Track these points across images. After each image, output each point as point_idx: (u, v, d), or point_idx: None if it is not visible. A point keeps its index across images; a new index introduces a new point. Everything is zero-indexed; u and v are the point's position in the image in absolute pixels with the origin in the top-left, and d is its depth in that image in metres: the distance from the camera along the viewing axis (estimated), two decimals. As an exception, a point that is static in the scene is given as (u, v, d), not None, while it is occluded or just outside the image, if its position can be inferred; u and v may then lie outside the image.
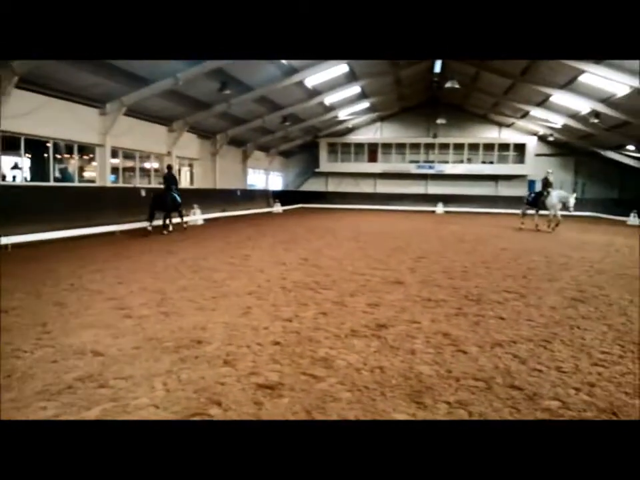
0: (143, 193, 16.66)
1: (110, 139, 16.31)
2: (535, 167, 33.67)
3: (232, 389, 3.10)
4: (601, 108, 21.56)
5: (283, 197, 30.22)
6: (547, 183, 17.40)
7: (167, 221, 13.71)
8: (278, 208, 26.67)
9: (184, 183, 23.05)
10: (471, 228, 17.88)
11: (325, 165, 36.33)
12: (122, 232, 13.07)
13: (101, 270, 7.30)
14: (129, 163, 19.34)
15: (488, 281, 7.08)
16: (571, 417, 2.81)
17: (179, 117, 20.05)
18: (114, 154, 17.43)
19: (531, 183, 34.59)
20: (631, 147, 26.65)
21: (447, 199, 31.32)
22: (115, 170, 17.91)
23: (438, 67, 24.95)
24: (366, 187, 37.14)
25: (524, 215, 18.12)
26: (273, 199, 27.91)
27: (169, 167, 15.42)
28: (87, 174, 17.18)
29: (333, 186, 37.75)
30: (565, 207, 16.44)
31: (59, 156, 15.84)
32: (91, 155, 16.73)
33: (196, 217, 16.86)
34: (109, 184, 16.59)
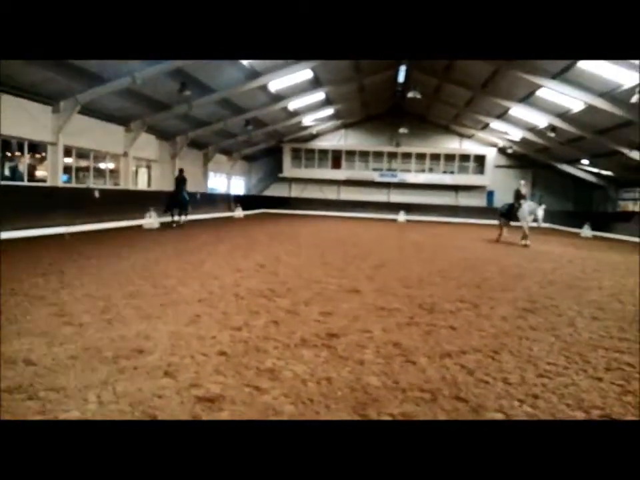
0: (97, 194, 16.12)
1: (63, 138, 15.77)
2: (494, 178, 34.66)
3: (170, 402, 2.94)
4: (557, 122, 22.39)
5: (245, 201, 29.90)
6: (519, 195, 17.08)
7: (177, 217, 16.87)
8: (239, 213, 26.37)
9: (140, 184, 22.52)
10: (430, 237, 18.14)
11: (289, 170, 36.33)
12: (72, 234, 12.57)
13: (45, 274, 6.95)
14: (83, 163, 18.73)
15: (443, 290, 7.14)
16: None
17: (136, 117, 19.61)
18: (67, 153, 16.83)
19: (490, 194, 35.58)
20: (585, 161, 27.72)
21: (408, 208, 31.76)
22: (68, 169, 17.30)
23: (401, 76, 25.37)
24: (329, 193, 37.30)
25: (500, 227, 17.74)
26: (234, 204, 27.53)
27: (181, 171, 18.03)
28: (39, 173, 16.51)
29: (296, 192, 37.75)
30: (534, 219, 16.13)
31: (9, 154, 15.17)
32: (43, 154, 16.09)
33: (151, 220, 16.42)
34: (60, 184, 15.98)
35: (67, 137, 15.89)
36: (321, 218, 28.81)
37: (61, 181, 16.05)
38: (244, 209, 27.40)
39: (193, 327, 4.62)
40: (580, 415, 3.00)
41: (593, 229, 24.06)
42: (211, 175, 30.31)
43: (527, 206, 16.22)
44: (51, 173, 15.72)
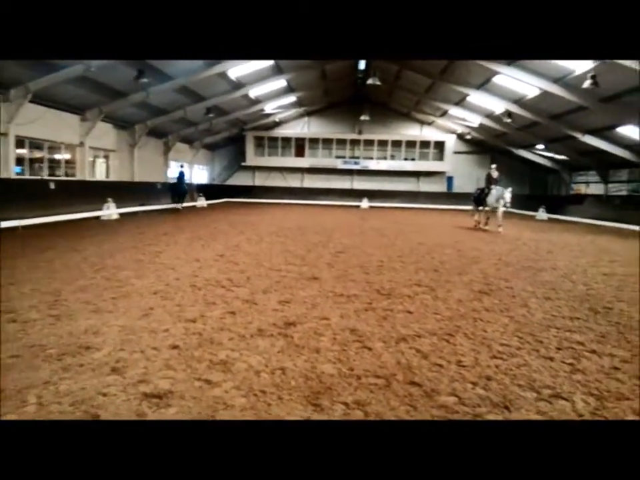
0: (52, 186, 15.50)
1: (14, 128, 15.04)
2: (454, 164, 35.26)
3: (114, 400, 2.83)
4: (513, 108, 22.85)
5: (208, 190, 29.38)
6: (489, 180, 16.64)
7: (180, 205, 21.90)
8: (202, 202, 25.92)
9: (98, 175, 21.79)
10: (392, 223, 18.29)
11: (252, 158, 35.89)
12: (25, 227, 12.05)
13: (-10, 270, 6.62)
14: (38, 154, 17.95)
15: (401, 275, 7.19)
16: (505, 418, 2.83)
17: (92, 105, 18.88)
18: (19, 144, 16.09)
19: (450, 180, 36.25)
20: (540, 146, 28.48)
21: (371, 194, 31.96)
22: (21, 161, 16.56)
23: (362, 63, 25.29)
24: (293, 181, 37.12)
25: (473, 213, 17.49)
26: (197, 193, 27.02)
27: (181, 166, 24.03)
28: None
29: (260, 180, 37.40)
30: (504, 204, 15.65)
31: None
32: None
33: (110, 211, 15.93)
34: (13, 175, 15.29)
35: (18, 127, 15.18)
36: (284, 206, 28.65)
37: (13, 172, 15.34)
38: (207, 198, 26.94)
39: (145, 320, 4.48)
40: (530, 395, 3.06)
41: (548, 211, 24.85)
42: (172, 164, 29.63)
43: (495, 191, 15.91)
44: (2, 165, 14.98)
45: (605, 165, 26.28)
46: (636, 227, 18.34)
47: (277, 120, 34.28)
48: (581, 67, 15.61)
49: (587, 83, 15.07)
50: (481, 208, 16.86)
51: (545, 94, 19.02)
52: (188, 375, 3.23)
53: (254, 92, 24.71)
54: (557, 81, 17.71)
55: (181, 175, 22.67)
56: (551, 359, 3.76)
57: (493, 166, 17.26)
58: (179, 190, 22.28)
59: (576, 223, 22.19)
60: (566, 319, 5.00)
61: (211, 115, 25.13)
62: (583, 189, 29.77)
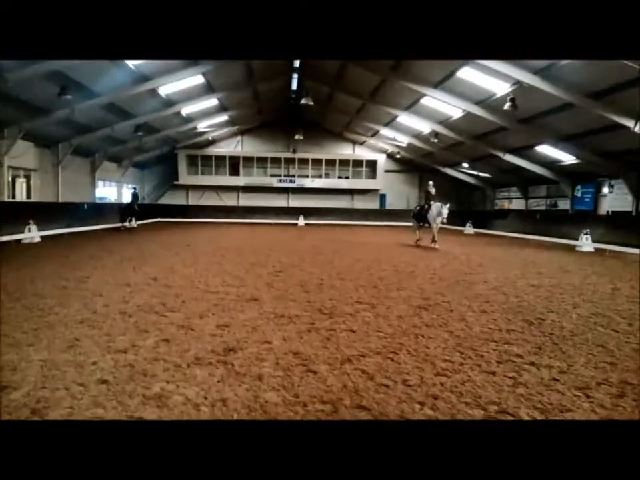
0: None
1: None
2: (385, 181, 36.31)
3: (34, 448, 2.53)
4: (439, 129, 23.87)
5: (139, 210, 28.17)
6: (428, 196, 16.56)
7: (128, 223, 22.88)
8: (132, 223, 24.82)
9: (19, 196, 20.36)
10: (328, 240, 18.38)
11: (185, 177, 35.07)
12: None
13: None
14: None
15: (341, 292, 7.16)
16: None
17: (11, 122, 17.66)
18: None
19: (382, 197, 37.29)
20: (465, 165, 29.90)
21: (307, 212, 32.05)
22: None
23: (294, 83, 25.57)
24: (229, 200, 36.57)
25: (415, 230, 17.20)
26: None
27: (135, 188, 26.62)
28: None
29: (194, 199, 36.54)
30: (442, 220, 15.55)
31: None
32: None
33: (31, 234, 14.85)
34: None
35: None
36: (220, 225, 28.04)
37: None
38: (137, 218, 25.84)
39: (70, 353, 4.11)
40: (478, 413, 3.05)
41: (474, 226, 26.06)
42: (100, 183, 28.27)
43: (434, 207, 15.84)
44: None
45: (524, 181, 28.04)
46: (554, 239, 19.56)
47: (210, 138, 33.78)
48: (501, 90, 16.60)
49: (506, 105, 16.06)
50: (422, 224, 16.76)
51: (468, 115, 20.03)
52: (118, 413, 2.95)
53: (186, 110, 24.23)
54: (479, 103, 18.72)
55: (135, 195, 24.19)
56: (493, 373, 3.81)
57: (431, 183, 17.36)
58: (130, 210, 23.36)
59: (501, 236, 23.36)
60: (503, 331, 5.13)
61: (140, 133, 24.32)
62: (506, 205, 31.52)
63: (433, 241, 15.78)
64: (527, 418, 2.97)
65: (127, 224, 22.89)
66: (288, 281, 8.18)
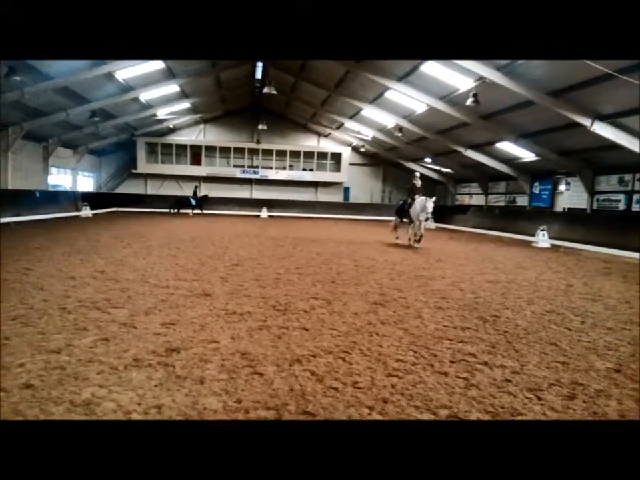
0: None
1: None
2: (350, 175, 36.27)
3: None
4: (403, 123, 23.93)
5: (95, 199, 27.13)
6: (412, 189, 14.80)
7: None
8: (87, 212, 23.86)
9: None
10: (290, 232, 18.15)
11: (144, 166, 34.04)
12: None
13: None
14: None
15: (298, 288, 6.97)
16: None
17: (-49, 105, 16.62)
18: None
19: (346, 190, 37.27)
20: (428, 159, 30.16)
21: (271, 204, 31.63)
22: None
23: (259, 72, 25.08)
24: (189, 190, 35.69)
25: (395, 226, 15.66)
26: (81, 202, 24.81)
27: (196, 186, 31.24)
28: None
29: (153, 188, 35.56)
30: (426, 216, 13.80)
31: None
32: None
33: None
34: None
35: None
36: (180, 216, 27.32)
37: None
38: (93, 207, 24.86)
39: (-5, 354, 3.77)
40: (428, 417, 2.92)
41: (436, 220, 26.30)
42: (53, 170, 27.06)
43: (418, 202, 14.00)
44: None
45: (485, 177, 28.50)
46: (512, 235, 19.97)
47: (171, 126, 32.88)
48: (464, 85, 16.70)
49: (469, 101, 16.15)
50: (404, 220, 15.14)
51: (432, 110, 20.12)
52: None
53: (145, 96, 23.41)
54: (442, 98, 18.81)
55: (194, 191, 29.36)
56: (446, 374, 3.70)
57: (417, 174, 15.55)
58: (185, 202, 28.40)
59: (461, 231, 23.70)
60: (457, 329, 5.06)
61: (96, 119, 23.35)
62: (466, 200, 32.03)
63: (415, 240, 14.15)
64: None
65: (173, 211, 27.91)
66: (244, 275, 7.93)
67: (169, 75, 21.42)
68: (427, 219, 13.88)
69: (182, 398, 3.08)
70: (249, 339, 4.40)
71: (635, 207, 18.55)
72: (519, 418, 2.93)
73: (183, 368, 3.60)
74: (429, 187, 35.59)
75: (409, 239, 14.73)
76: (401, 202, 15.52)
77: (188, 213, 27.95)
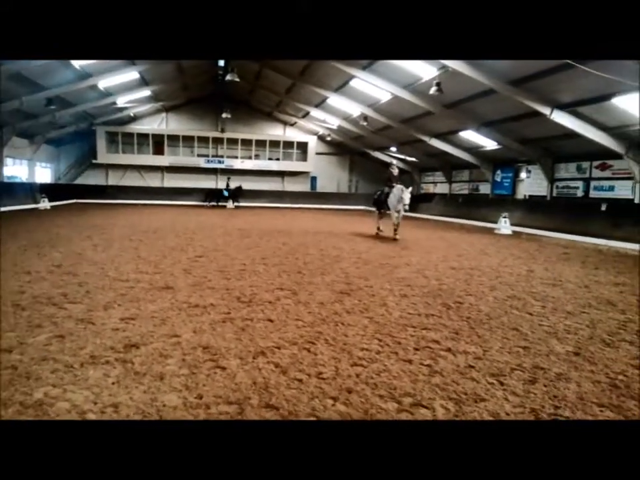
0: None
1: None
2: (317, 164, 36.17)
3: None
4: (368, 112, 23.96)
5: (53, 191, 26.14)
6: (390, 178, 14.08)
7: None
8: (45, 204, 22.99)
9: None
10: (256, 222, 17.98)
11: (104, 155, 33.02)
12: None
13: None
14: None
15: (263, 278, 6.89)
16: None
17: None
18: None
19: (313, 179, 37.19)
20: (393, 148, 30.33)
21: (236, 194, 31.25)
22: None
23: (221, 60, 24.57)
24: (152, 180, 34.92)
25: (379, 217, 14.89)
26: (39, 194, 23.87)
27: (228, 178, 31.61)
28: None
29: (114, 179, 34.59)
30: (404, 206, 12.97)
31: None
32: None
33: None
34: None
35: None
36: (142, 207, 26.66)
37: None
38: (52, 199, 23.96)
39: (-61, 355, 3.56)
40: (392, 407, 2.92)
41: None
42: (9, 161, 25.92)
43: (394, 192, 13.36)
44: None
45: (449, 166, 28.91)
46: (476, 223, 20.35)
47: (132, 114, 31.95)
48: (427, 74, 16.79)
49: (432, 90, 16.23)
50: (383, 211, 14.59)
51: (396, 99, 20.19)
52: (-15, 428, 2.54)
53: (103, 83, 22.60)
54: (406, 86, 18.88)
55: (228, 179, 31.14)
56: (410, 361, 3.72)
57: (394, 162, 14.99)
58: (219, 194, 29.80)
59: (426, 219, 24.00)
60: (422, 316, 5.10)
61: (53, 107, 22.40)
62: (431, 188, 32.44)
63: (394, 230, 13.39)
64: (441, 410, 2.88)
65: (209, 203, 29.23)
66: (208, 266, 7.79)
67: (129, 61, 20.75)
68: (405, 210, 13.34)
69: (140, 395, 2.98)
70: (211, 332, 4.31)
71: (592, 194, 19.18)
72: (483, 404, 2.97)
73: (142, 364, 3.49)
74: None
75: (378, 229, 14.52)
76: (379, 192, 14.87)
77: (224, 206, 28.77)
